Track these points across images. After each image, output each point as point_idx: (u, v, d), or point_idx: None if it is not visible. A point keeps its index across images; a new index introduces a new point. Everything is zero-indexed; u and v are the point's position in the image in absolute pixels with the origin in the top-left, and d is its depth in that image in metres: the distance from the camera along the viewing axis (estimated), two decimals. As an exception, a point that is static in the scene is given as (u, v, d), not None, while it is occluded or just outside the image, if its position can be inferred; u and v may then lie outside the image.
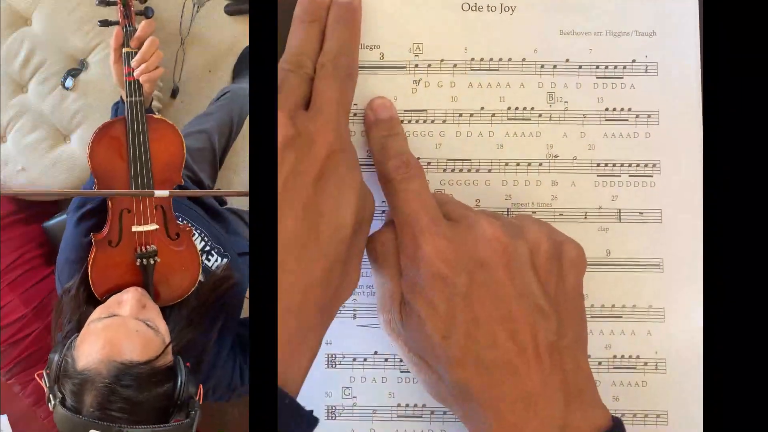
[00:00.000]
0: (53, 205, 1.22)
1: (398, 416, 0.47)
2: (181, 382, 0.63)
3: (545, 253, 0.41)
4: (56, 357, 0.64)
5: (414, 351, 0.42)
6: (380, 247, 0.44)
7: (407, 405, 0.47)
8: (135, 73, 0.73)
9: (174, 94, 1.30)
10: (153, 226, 0.75)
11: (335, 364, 0.47)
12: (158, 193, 0.71)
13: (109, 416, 0.59)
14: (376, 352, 0.47)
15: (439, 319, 0.40)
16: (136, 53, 0.74)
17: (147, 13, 0.79)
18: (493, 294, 0.40)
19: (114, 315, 0.67)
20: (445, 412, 0.47)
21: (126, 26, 0.76)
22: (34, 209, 1.20)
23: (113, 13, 0.78)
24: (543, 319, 0.40)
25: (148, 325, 0.67)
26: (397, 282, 0.43)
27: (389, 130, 0.47)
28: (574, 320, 0.41)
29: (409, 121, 0.48)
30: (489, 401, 0.39)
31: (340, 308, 0.47)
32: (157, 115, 0.77)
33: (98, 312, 0.69)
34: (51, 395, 0.62)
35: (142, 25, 0.75)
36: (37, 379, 0.66)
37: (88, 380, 0.60)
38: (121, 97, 0.82)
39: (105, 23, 0.79)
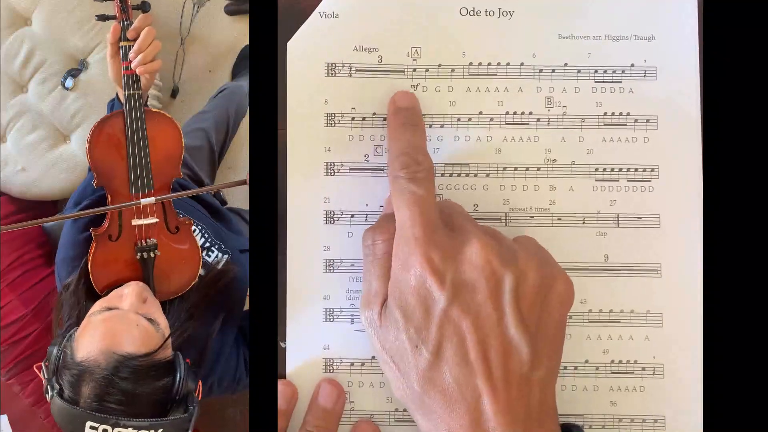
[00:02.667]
0: (53, 205, 1.23)
1: (396, 421, 0.47)
2: (180, 378, 0.63)
3: (532, 286, 0.40)
4: (55, 350, 0.64)
5: (388, 352, 0.42)
6: (375, 245, 0.44)
7: (404, 410, 0.47)
8: (133, 65, 0.73)
9: (174, 94, 1.31)
10: (153, 220, 0.75)
11: (333, 369, 0.47)
12: (144, 201, 0.71)
13: (107, 408, 0.59)
14: (373, 357, 0.47)
15: (415, 329, 0.40)
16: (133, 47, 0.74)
17: (144, 8, 0.78)
18: (473, 315, 0.39)
19: (114, 308, 0.68)
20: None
21: (123, 21, 0.76)
22: (35, 209, 1.20)
23: (110, 8, 0.78)
24: (518, 349, 0.39)
25: (148, 319, 0.67)
26: (384, 283, 0.43)
27: (408, 118, 0.46)
28: (551, 355, 0.41)
29: (407, 126, 0.48)
30: (448, 419, 0.39)
31: (338, 313, 0.47)
32: (155, 109, 0.77)
33: (99, 305, 0.70)
34: (49, 387, 0.62)
35: (139, 18, 0.75)
36: (36, 370, 0.66)
37: (87, 371, 0.61)
38: (116, 93, 0.82)
39: (102, 18, 0.79)
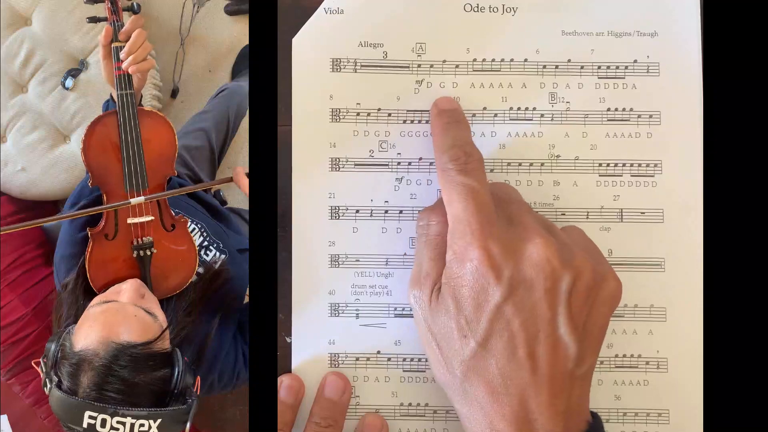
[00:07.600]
0: (53, 205, 1.23)
1: (401, 415, 0.48)
2: (179, 371, 0.63)
3: (585, 286, 0.41)
4: (53, 345, 0.65)
5: (433, 335, 0.42)
6: (429, 226, 0.44)
7: (410, 404, 0.48)
8: (124, 65, 0.73)
9: (174, 94, 1.31)
10: (148, 218, 0.76)
11: (338, 364, 0.48)
12: (134, 200, 0.72)
13: (105, 397, 0.59)
14: (378, 352, 0.48)
15: (465, 319, 0.40)
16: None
17: (134, 9, 0.79)
18: (526, 314, 0.40)
19: (112, 301, 0.68)
20: (447, 411, 0.48)
21: (114, 22, 0.76)
22: (35, 209, 1.20)
23: (101, 10, 0.78)
24: (566, 348, 0.40)
25: (146, 311, 0.67)
26: (435, 266, 0.43)
27: (452, 117, 0.46)
28: (594, 351, 0.42)
29: (412, 122, 0.48)
30: (490, 410, 0.40)
31: (344, 308, 0.48)
32: (147, 108, 0.77)
33: (97, 299, 0.70)
34: (47, 380, 0.63)
35: (130, 19, 0.75)
36: (34, 366, 0.66)
37: (86, 360, 0.61)
38: (111, 94, 0.82)
39: (93, 20, 0.79)
